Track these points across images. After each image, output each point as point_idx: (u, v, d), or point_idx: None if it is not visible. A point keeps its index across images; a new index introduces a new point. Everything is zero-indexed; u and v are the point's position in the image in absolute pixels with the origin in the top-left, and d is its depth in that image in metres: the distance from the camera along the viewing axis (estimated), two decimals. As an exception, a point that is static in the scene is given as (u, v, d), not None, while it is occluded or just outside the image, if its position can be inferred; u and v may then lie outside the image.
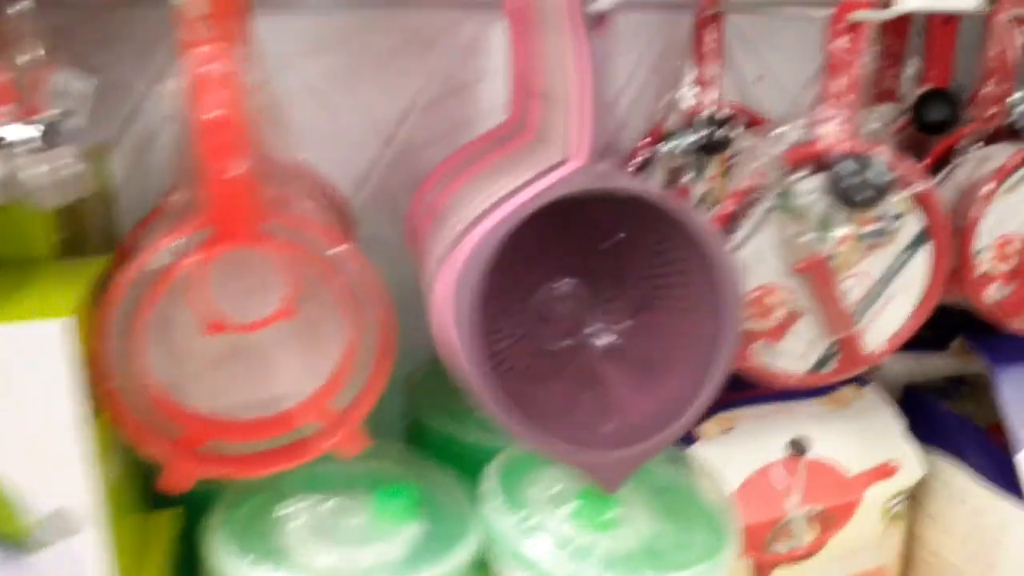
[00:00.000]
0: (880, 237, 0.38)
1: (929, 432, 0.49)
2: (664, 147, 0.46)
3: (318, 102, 0.49)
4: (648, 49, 0.54)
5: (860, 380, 0.48)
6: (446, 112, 0.51)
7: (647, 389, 0.35)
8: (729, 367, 0.33)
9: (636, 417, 0.34)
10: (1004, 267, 0.41)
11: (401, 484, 0.37)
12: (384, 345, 0.34)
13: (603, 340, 0.37)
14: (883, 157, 0.37)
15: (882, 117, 0.49)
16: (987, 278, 0.41)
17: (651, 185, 0.32)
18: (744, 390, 0.43)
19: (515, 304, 0.37)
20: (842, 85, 0.37)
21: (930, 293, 0.40)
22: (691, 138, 0.46)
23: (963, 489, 0.46)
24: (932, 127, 0.48)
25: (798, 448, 0.45)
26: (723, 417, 0.44)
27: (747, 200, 0.37)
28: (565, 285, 0.38)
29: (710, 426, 0.44)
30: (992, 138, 0.44)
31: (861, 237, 0.38)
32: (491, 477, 0.38)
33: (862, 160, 0.36)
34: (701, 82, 0.47)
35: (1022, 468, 0.43)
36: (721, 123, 0.46)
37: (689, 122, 0.47)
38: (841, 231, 0.37)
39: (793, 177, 0.37)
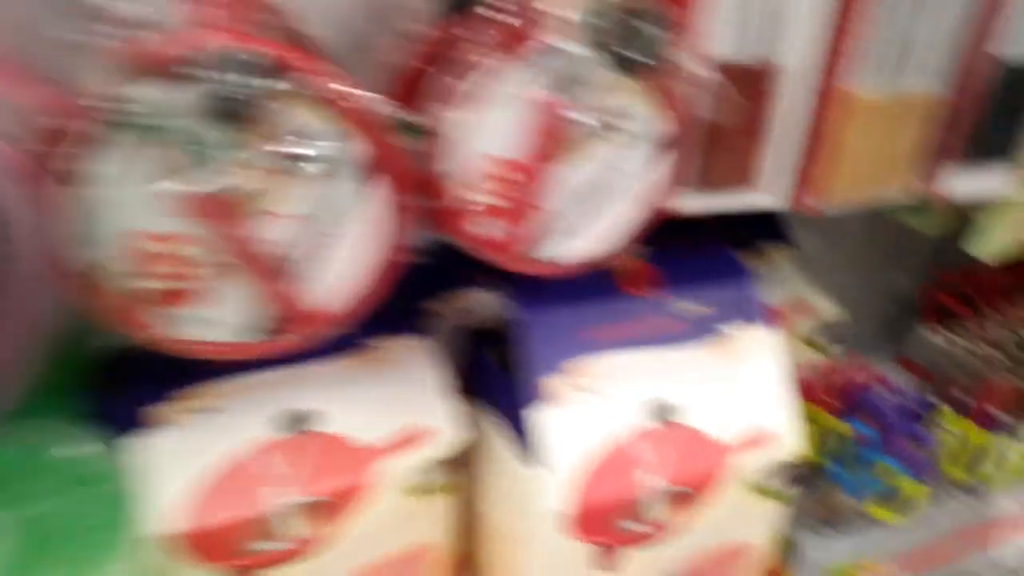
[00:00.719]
0: (296, 163, 0.29)
1: (481, 386, 0.42)
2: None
3: None
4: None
5: (403, 329, 0.40)
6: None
7: None
8: None
9: None
10: (486, 196, 0.33)
11: None
12: None
13: None
14: (264, 56, 0.27)
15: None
16: (465, 210, 0.33)
17: None
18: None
19: None
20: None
21: (382, 231, 0.32)
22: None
23: (501, 450, 0.40)
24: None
25: (291, 424, 0.37)
26: (193, 395, 0.36)
27: (94, 116, 0.27)
28: None
29: (170, 409, 0.35)
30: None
31: (267, 164, 0.29)
32: None
33: (230, 60, 0.27)
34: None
35: (529, 423, 0.37)
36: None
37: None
38: (227, 156, 0.28)
39: (142, 84, 0.27)
